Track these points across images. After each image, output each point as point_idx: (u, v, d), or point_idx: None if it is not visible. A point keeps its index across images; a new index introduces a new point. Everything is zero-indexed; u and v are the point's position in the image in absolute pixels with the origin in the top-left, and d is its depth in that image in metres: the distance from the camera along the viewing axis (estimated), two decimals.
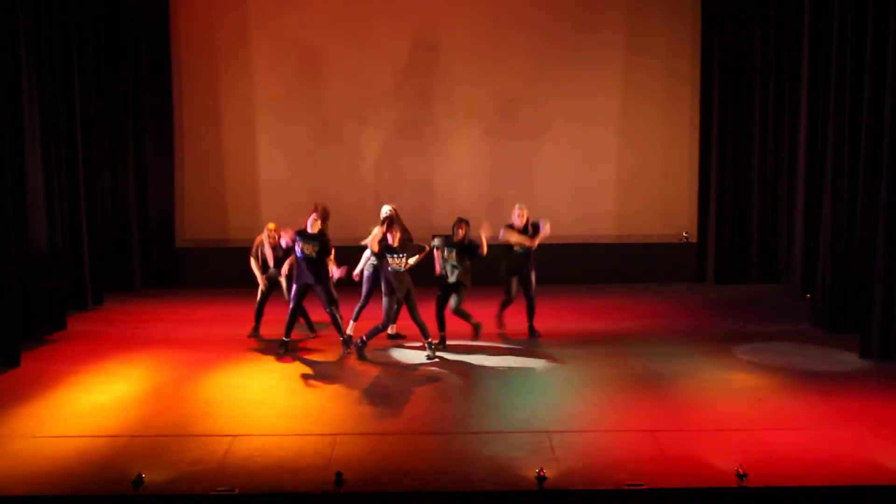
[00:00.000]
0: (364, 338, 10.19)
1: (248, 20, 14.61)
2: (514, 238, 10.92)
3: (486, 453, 7.31)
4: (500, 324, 11.21)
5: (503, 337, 11.11)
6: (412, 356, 10.25)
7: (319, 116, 14.76)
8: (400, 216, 10.68)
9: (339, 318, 10.42)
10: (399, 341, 10.82)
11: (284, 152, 14.81)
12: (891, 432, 7.68)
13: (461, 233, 10.46)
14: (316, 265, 10.34)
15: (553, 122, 14.80)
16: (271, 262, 11.10)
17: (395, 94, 14.73)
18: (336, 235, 11.22)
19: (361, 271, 10.93)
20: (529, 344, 10.86)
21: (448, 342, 10.52)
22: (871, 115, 10.06)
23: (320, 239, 10.37)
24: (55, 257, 11.59)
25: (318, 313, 11.12)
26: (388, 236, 10.07)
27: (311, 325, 11.27)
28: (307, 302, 10.72)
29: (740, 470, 6.66)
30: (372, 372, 9.75)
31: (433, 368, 9.81)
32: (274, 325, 11.10)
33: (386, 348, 10.51)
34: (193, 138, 14.77)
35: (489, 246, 10.48)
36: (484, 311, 11.00)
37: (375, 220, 10.85)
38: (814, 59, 12.26)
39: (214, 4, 14.61)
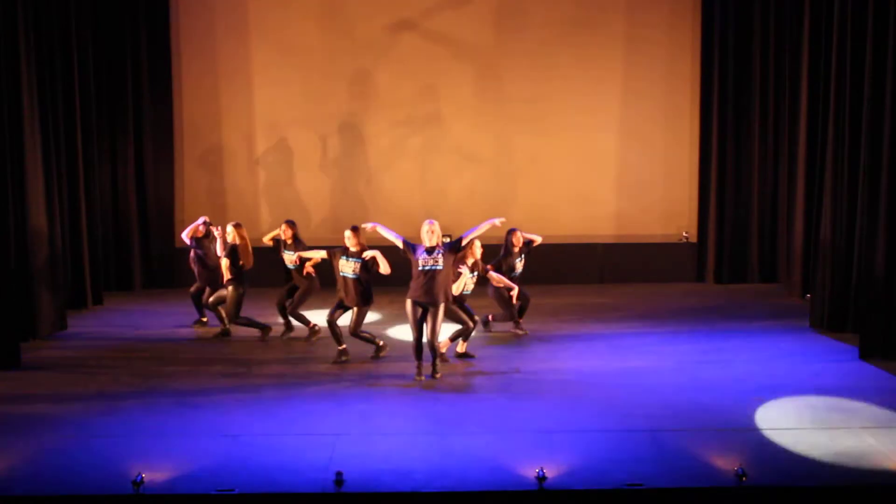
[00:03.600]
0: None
1: (248, 21, 14.62)
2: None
3: (486, 453, 7.31)
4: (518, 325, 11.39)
5: (502, 337, 11.13)
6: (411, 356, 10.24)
7: (319, 117, 14.76)
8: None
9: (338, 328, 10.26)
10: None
11: (284, 153, 14.81)
12: (891, 432, 7.68)
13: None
14: None
15: (553, 121, 14.80)
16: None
17: (394, 95, 14.73)
18: (338, 239, 11.26)
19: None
20: (528, 344, 10.87)
21: (450, 343, 10.44)
22: (871, 115, 10.06)
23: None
24: (55, 257, 11.59)
25: (316, 317, 11.11)
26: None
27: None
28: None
29: (740, 470, 6.66)
30: (372, 372, 9.75)
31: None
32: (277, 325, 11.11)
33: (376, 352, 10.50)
34: (193, 138, 14.78)
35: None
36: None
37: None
38: (814, 59, 12.27)
39: (214, 5, 14.62)
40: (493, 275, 10.53)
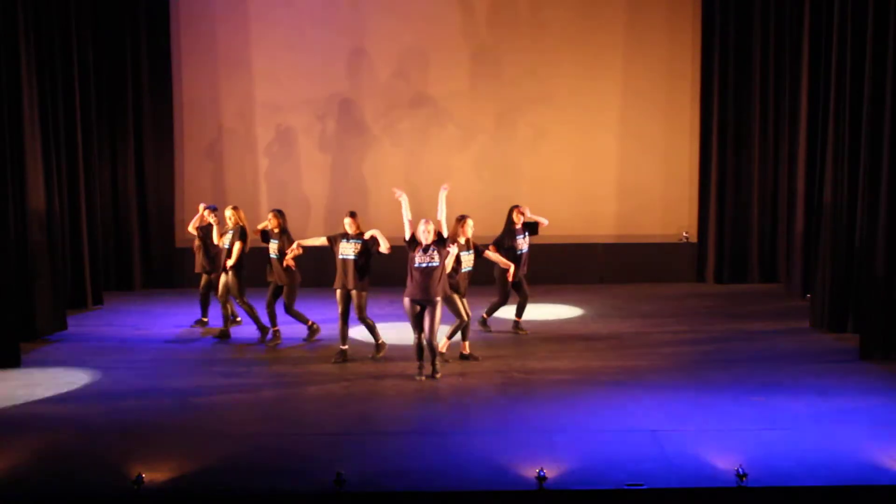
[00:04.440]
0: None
1: (248, 20, 14.62)
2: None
3: (486, 453, 7.31)
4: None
5: (502, 337, 11.13)
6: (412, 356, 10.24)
7: (320, 117, 14.76)
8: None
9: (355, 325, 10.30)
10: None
11: (284, 152, 14.82)
12: (890, 432, 7.68)
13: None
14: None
15: (553, 121, 14.80)
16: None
17: (394, 94, 14.74)
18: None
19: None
20: (528, 344, 10.87)
21: (448, 342, 10.42)
22: (871, 115, 10.07)
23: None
24: (55, 257, 11.59)
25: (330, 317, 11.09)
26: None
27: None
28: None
29: (740, 470, 6.67)
30: (372, 372, 9.74)
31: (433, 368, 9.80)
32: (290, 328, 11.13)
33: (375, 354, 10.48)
34: (193, 138, 14.78)
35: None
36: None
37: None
38: (814, 59, 12.26)
39: (214, 4, 14.62)
40: (489, 253, 10.45)
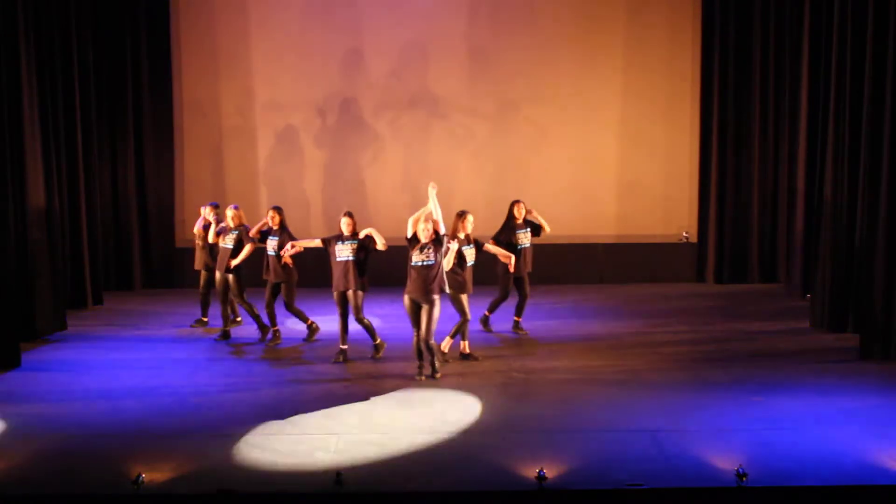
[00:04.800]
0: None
1: (248, 20, 14.62)
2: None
3: (486, 453, 7.31)
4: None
5: (502, 337, 11.13)
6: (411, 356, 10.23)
7: (319, 116, 14.76)
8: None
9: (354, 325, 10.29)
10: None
11: (285, 152, 14.82)
12: (891, 432, 7.68)
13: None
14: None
15: (553, 121, 14.79)
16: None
17: (394, 94, 14.73)
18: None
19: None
20: (528, 344, 10.87)
21: (450, 340, 10.42)
22: (871, 114, 10.07)
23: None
24: (55, 257, 11.59)
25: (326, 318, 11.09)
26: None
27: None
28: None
29: (740, 470, 6.67)
30: (372, 372, 9.75)
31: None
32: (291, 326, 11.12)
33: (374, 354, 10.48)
34: (193, 138, 14.78)
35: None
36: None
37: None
38: (814, 59, 12.26)
39: (214, 4, 14.62)
40: (489, 247, 10.51)
